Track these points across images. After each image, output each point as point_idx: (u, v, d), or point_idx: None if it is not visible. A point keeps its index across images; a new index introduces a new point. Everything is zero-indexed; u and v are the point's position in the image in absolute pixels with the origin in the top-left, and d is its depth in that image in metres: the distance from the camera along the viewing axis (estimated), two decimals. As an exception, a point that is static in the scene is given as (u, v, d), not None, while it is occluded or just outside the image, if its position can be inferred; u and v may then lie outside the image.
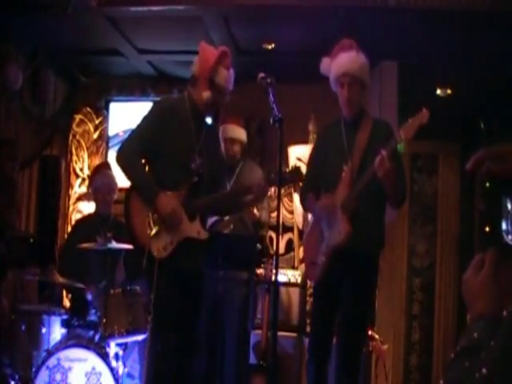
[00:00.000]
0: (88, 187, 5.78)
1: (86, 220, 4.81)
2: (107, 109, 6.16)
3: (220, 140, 3.55)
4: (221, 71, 3.18)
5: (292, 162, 4.92)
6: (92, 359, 3.68)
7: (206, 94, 3.16)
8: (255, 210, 4.30)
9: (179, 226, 3.09)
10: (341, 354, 3.26)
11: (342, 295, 3.28)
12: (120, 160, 3.16)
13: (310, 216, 3.92)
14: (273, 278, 4.40)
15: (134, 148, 3.12)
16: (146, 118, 3.19)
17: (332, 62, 3.36)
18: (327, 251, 3.27)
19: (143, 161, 3.22)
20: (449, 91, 5.65)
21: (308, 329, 4.66)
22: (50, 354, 3.70)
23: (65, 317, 4.03)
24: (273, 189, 4.31)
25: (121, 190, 4.26)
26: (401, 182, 3.23)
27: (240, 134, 4.32)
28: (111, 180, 4.55)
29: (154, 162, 3.19)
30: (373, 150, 3.15)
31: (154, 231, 3.07)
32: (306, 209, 3.72)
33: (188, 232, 3.12)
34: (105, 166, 4.86)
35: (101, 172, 4.67)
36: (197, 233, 3.15)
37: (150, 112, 3.21)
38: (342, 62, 3.30)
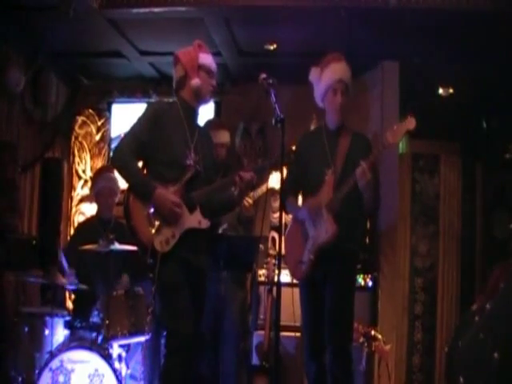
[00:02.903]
0: (90, 190, 5.78)
1: (88, 223, 4.81)
2: (109, 110, 6.17)
3: (212, 140, 3.57)
4: (203, 55, 3.28)
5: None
6: (95, 361, 3.69)
7: (195, 81, 3.21)
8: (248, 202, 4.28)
9: (180, 218, 3.09)
10: (331, 350, 3.40)
11: (328, 292, 3.43)
12: (114, 161, 3.20)
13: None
14: (275, 278, 4.42)
15: (128, 149, 3.13)
16: (139, 120, 3.22)
17: (324, 70, 3.53)
18: (314, 249, 3.43)
19: (140, 163, 3.24)
20: (451, 91, 5.64)
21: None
22: (53, 355, 3.71)
23: (67, 318, 4.03)
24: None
25: (122, 191, 4.26)
26: (376, 192, 3.46)
27: (227, 137, 4.42)
28: (113, 183, 4.55)
29: (150, 163, 3.21)
30: (354, 157, 3.40)
31: (155, 227, 3.06)
32: (286, 211, 3.79)
33: (189, 223, 3.11)
34: (107, 168, 4.86)
35: (103, 175, 4.67)
36: (198, 223, 3.14)
37: (143, 114, 3.24)
38: (336, 69, 3.50)
